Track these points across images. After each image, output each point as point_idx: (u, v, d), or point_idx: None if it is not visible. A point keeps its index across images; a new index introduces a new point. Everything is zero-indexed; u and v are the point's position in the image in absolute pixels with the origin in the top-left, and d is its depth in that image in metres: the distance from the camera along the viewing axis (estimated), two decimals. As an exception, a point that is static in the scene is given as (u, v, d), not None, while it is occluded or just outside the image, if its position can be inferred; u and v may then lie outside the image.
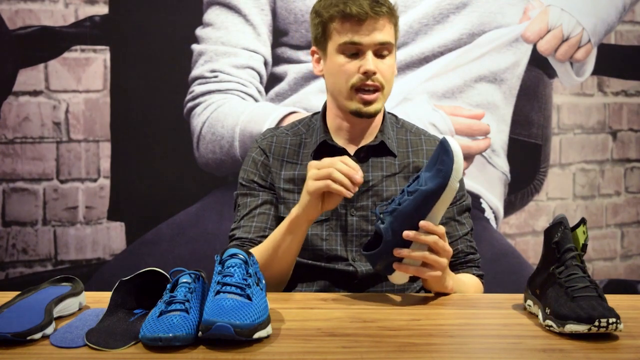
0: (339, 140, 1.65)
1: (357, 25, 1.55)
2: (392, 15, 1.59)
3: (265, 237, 1.61)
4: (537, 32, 2.71)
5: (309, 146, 1.67)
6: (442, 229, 1.40)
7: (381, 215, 1.40)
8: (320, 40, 1.62)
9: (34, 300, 1.26)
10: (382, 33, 1.56)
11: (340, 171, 1.43)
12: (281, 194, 1.66)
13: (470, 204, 1.70)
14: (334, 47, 1.59)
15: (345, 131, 1.65)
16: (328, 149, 1.65)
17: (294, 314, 1.32)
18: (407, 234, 1.37)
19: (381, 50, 1.57)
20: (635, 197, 2.87)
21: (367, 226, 1.62)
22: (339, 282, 1.60)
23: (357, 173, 1.43)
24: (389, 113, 1.71)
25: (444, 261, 1.42)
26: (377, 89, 1.57)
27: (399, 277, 1.43)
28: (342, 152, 1.64)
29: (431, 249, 1.40)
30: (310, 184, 1.45)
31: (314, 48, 1.66)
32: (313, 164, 1.48)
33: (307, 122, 1.72)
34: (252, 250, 1.56)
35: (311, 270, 1.62)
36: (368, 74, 1.56)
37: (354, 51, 1.57)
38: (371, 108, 1.58)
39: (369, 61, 1.55)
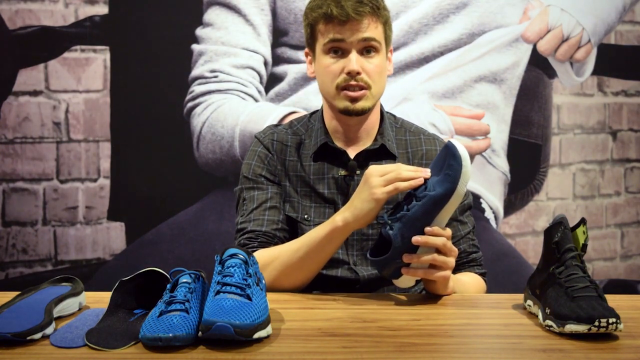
0: (338, 142, 1.65)
1: (339, 25, 1.55)
2: (377, 14, 1.57)
3: (279, 230, 1.60)
4: (537, 32, 2.71)
5: (308, 147, 1.67)
6: (448, 231, 1.40)
7: (389, 222, 1.40)
8: (310, 42, 1.64)
9: (34, 300, 1.26)
10: (367, 31, 1.55)
11: (406, 169, 1.41)
12: (286, 192, 1.65)
13: (472, 202, 1.70)
14: (320, 48, 1.59)
15: (341, 133, 1.65)
16: (329, 151, 1.65)
17: (294, 314, 1.32)
18: (417, 239, 1.37)
19: (367, 48, 1.57)
20: (635, 197, 2.87)
21: (368, 230, 1.61)
22: (341, 288, 1.60)
23: (422, 168, 1.42)
24: (387, 113, 1.71)
25: (452, 261, 1.42)
26: (363, 87, 1.57)
27: (405, 281, 1.43)
28: (343, 154, 1.64)
29: (438, 251, 1.40)
30: (379, 192, 1.42)
31: (306, 50, 1.67)
32: (373, 172, 1.44)
33: (305, 122, 1.72)
34: (276, 249, 1.55)
35: (313, 279, 1.61)
36: (352, 74, 1.55)
37: (338, 49, 1.57)
38: (358, 105, 1.57)
39: (352, 61, 1.55)
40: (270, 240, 1.60)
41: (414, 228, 1.38)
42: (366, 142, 1.65)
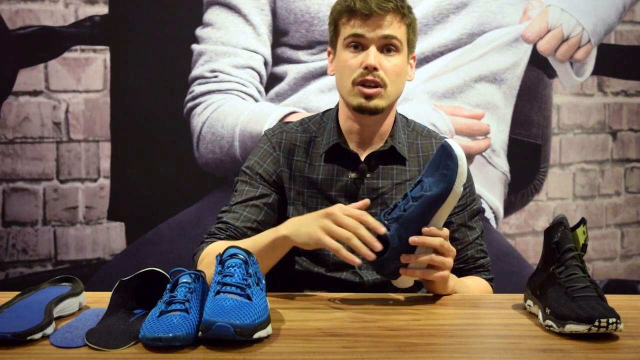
0: (351, 144, 1.63)
1: (362, 20, 1.54)
2: (401, 13, 1.56)
3: (251, 229, 1.59)
4: (537, 32, 2.71)
5: (319, 146, 1.65)
6: (446, 231, 1.40)
7: (386, 222, 1.39)
8: (333, 39, 1.63)
9: (34, 300, 1.26)
10: (389, 28, 1.54)
11: (361, 237, 1.36)
12: (291, 195, 1.64)
13: (481, 207, 1.69)
14: (341, 42, 1.58)
15: (355, 134, 1.63)
16: (340, 152, 1.63)
17: (294, 314, 1.32)
18: (414, 239, 1.37)
19: (387, 46, 1.55)
20: (635, 197, 2.87)
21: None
22: (345, 292, 1.58)
23: (376, 244, 1.36)
24: (400, 115, 1.69)
25: (450, 261, 1.42)
26: (378, 85, 1.55)
27: (404, 281, 1.43)
28: (354, 156, 1.62)
29: (436, 251, 1.39)
30: (320, 236, 1.38)
31: (329, 49, 1.66)
32: (334, 214, 1.38)
33: (317, 121, 1.69)
34: (227, 244, 1.52)
35: (317, 280, 1.61)
36: (368, 69, 1.54)
37: (358, 44, 1.56)
38: (372, 103, 1.55)
39: (370, 56, 1.53)
40: (240, 236, 1.59)
41: (411, 228, 1.37)
42: (378, 144, 1.63)
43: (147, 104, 2.64)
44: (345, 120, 1.64)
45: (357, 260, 1.37)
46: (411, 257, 1.38)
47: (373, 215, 1.60)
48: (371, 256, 1.36)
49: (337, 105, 1.68)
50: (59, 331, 1.18)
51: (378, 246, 1.36)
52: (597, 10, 2.74)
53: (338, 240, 1.38)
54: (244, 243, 1.51)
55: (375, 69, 1.54)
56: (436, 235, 1.38)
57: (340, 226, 1.38)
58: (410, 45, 1.61)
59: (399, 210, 1.39)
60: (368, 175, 1.61)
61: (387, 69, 1.55)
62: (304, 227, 1.42)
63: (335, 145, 1.62)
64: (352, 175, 1.61)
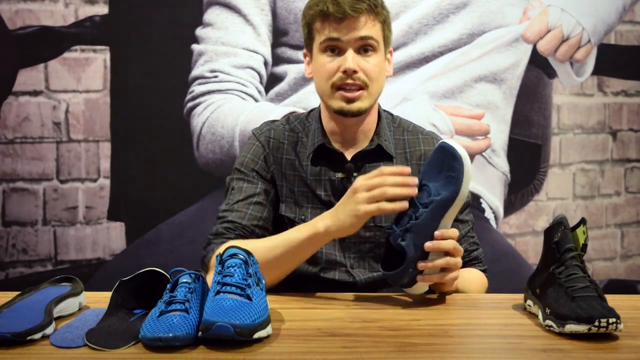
0: (336, 144, 1.64)
1: (336, 23, 1.53)
2: (375, 12, 1.55)
3: (259, 227, 1.59)
4: (537, 32, 2.71)
5: (306, 146, 1.65)
6: (456, 231, 1.40)
7: (400, 233, 1.38)
8: (308, 42, 1.62)
9: (34, 300, 1.27)
10: (364, 29, 1.53)
11: (393, 184, 1.37)
12: (284, 192, 1.64)
13: (470, 200, 1.69)
14: (317, 46, 1.58)
15: (338, 135, 1.63)
16: (326, 153, 1.63)
17: (294, 314, 1.32)
18: (429, 245, 1.36)
19: (364, 47, 1.55)
20: (635, 197, 2.87)
21: (365, 233, 1.60)
22: (338, 291, 1.57)
23: (409, 179, 1.37)
24: (385, 111, 1.70)
25: (460, 261, 1.42)
26: (360, 87, 1.55)
27: (420, 287, 1.42)
28: (340, 156, 1.63)
29: (448, 253, 1.39)
30: (362, 209, 1.39)
31: (304, 51, 1.65)
32: (360, 187, 1.40)
33: (302, 120, 1.70)
34: (251, 243, 1.52)
35: (311, 281, 1.60)
36: (348, 73, 1.53)
37: (334, 48, 1.55)
38: (354, 106, 1.55)
39: (349, 60, 1.53)
40: (248, 234, 1.58)
41: (424, 235, 1.37)
42: (363, 143, 1.64)
43: (147, 104, 2.64)
44: (328, 121, 1.64)
45: (404, 205, 1.37)
46: (428, 263, 1.38)
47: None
48: (414, 192, 1.36)
49: (320, 106, 1.68)
50: (59, 331, 1.18)
51: (414, 181, 1.36)
52: (597, 10, 2.74)
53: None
54: (270, 241, 1.52)
55: (354, 72, 1.53)
56: (448, 237, 1.38)
57: (371, 190, 1.39)
58: (386, 42, 1.60)
59: (409, 219, 1.37)
60: (355, 174, 1.61)
61: (366, 69, 1.55)
62: (342, 213, 1.43)
63: (321, 146, 1.63)
64: (339, 175, 1.62)
